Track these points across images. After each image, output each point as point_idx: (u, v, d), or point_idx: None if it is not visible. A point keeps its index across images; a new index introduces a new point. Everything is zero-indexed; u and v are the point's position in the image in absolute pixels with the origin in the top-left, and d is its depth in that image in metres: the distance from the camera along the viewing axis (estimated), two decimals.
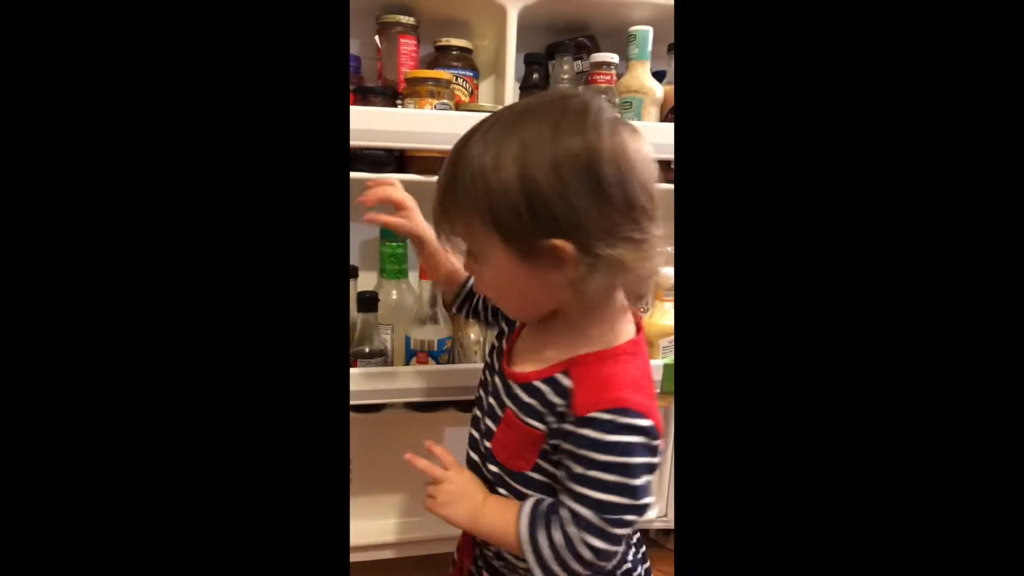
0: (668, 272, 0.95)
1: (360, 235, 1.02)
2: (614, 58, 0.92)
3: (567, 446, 0.52)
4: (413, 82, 0.84)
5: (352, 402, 0.88)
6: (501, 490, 0.58)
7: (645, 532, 0.86)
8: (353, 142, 0.81)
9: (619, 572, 0.61)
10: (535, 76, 0.96)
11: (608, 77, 0.93)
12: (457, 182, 0.50)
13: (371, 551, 1.04)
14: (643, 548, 0.66)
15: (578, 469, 0.51)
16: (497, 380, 0.59)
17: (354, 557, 1.03)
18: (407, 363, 0.91)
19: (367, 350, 0.88)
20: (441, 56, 0.92)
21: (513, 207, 0.47)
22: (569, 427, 0.52)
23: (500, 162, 0.48)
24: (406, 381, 0.87)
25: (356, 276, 0.92)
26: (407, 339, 0.92)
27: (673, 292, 0.92)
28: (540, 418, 0.54)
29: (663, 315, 0.97)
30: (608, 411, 0.50)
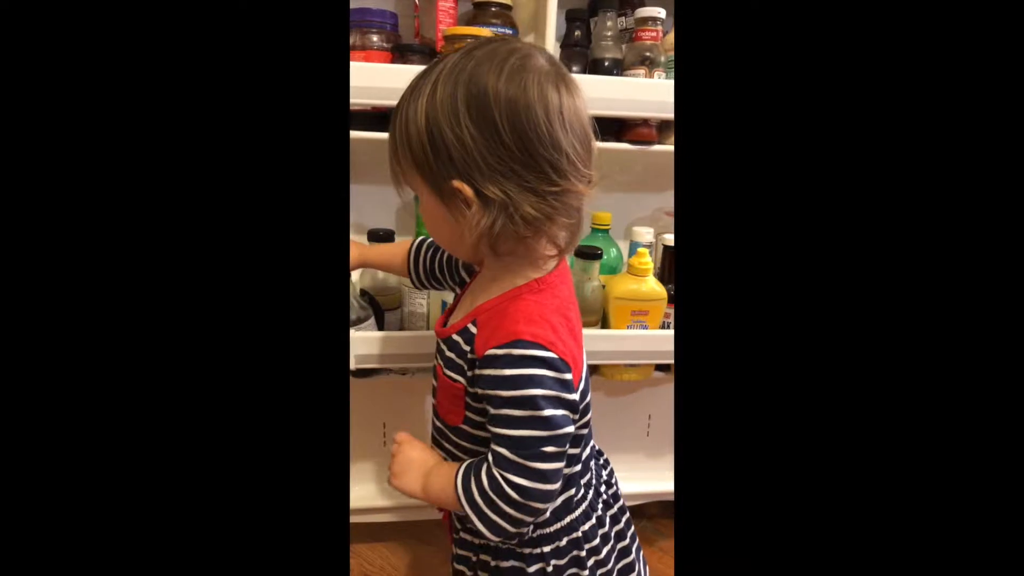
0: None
1: (396, 199, 1.01)
2: (660, 13, 0.88)
3: (479, 390, 0.53)
4: (451, 40, 0.82)
5: (383, 365, 0.88)
6: (446, 444, 0.61)
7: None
8: (390, 101, 0.79)
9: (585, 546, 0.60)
10: (577, 33, 0.92)
11: (653, 34, 0.89)
12: (395, 128, 0.53)
13: (398, 512, 1.06)
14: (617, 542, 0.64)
15: (491, 410, 0.52)
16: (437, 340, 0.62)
17: (379, 518, 1.05)
18: None
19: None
20: (480, 13, 0.89)
21: (422, 146, 0.49)
22: (477, 371, 0.53)
23: (419, 104, 0.50)
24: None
25: (392, 240, 0.91)
26: (443, 304, 0.91)
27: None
28: (459, 370, 0.55)
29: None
30: (502, 346, 0.50)
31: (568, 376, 0.51)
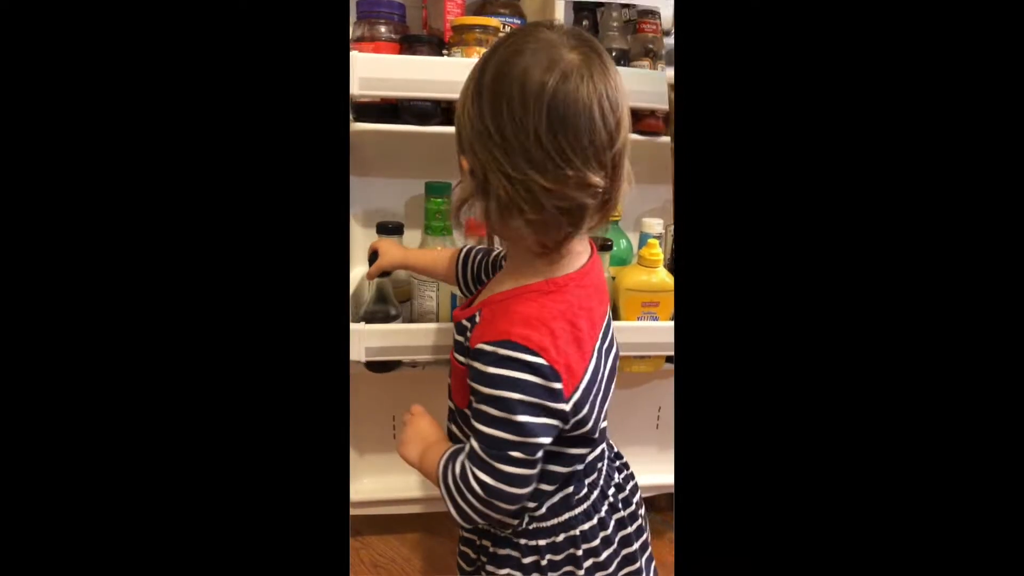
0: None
1: (405, 192, 1.01)
2: (658, 6, 0.88)
3: (468, 380, 0.53)
4: (460, 30, 0.81)
5: (395, 358, 0.89)
6: (457, 424, 0.62)
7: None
8: (398, 93, 0.79)
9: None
10: (584, 24, 0.92)
11: (654, 27, 0.89)
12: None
13: (409, 504, 1.06)
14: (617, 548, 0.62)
15: (474, 402, 0.52)
16: None
17: (390, 510, 1.06)
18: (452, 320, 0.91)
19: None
20: (488, 3, 0.90)
21: (456, 125, 0.52)
22: (468, 361, 0.53)
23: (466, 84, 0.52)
24: (449, 338, 0.87)
25: (401, 233, 0.91)
26: (453, 297, 0.91)
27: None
28: (465, 354, 0.55)
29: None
30: (491, 343, 0.50)
31: (557, 385, 0.50)
